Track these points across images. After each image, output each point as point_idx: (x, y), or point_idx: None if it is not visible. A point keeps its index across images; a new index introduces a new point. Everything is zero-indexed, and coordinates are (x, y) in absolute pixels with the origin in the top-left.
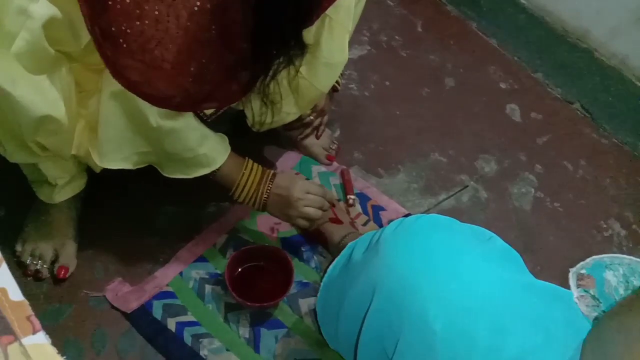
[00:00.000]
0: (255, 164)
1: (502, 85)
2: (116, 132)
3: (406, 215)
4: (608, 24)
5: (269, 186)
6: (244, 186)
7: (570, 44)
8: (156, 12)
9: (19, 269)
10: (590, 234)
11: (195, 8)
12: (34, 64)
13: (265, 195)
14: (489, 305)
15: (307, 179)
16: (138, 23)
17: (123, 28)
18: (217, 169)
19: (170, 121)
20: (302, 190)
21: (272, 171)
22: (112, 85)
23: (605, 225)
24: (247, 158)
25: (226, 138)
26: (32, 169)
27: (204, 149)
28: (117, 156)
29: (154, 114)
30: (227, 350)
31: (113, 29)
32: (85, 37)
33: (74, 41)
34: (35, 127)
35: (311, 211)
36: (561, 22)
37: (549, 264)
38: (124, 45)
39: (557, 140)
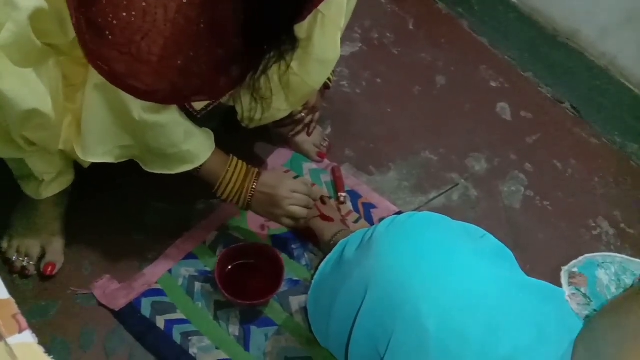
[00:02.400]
0: (240, 161)
1: (493, 84)
2: (99, 124)
3: (397, 213)
4: (598, 24)
5: (253, 184)
6: (228, 183)
7: (561, 43)
8: (144, 4)
9: (5, 266)
10: (579, 232)
11: (184, 0)
12: (20, 56)
13: (250, 194)
14: (482, 303)
15: (298, 176)
16: (125, 14)
17: (110, 19)
18: (201, 165)
19: (154, 115)
20: (289, 189)
21: (257, 169)
22: (96, 77)
23: (594, 224)
24: (231, 155)
25: (212, 134)
26: (18, 164)
27: (188, 145)
28: (99, 150)
29: (137, 108)
30: (217, 348)
31: (100, 20)
32: (73, 29)
33: (61, 34)
34: (21, 121)
35: (297, 210)
36: (552, 21)
37: (538, 262)
38: (110, 37)
39: (547, 139)
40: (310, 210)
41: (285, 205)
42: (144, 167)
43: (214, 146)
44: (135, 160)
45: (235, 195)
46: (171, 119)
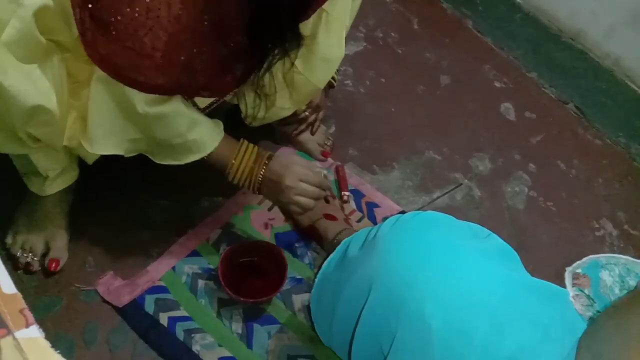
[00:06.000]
0: (251, 145)
1: (497, 84)
2: (105, 117)
3: (401, 213)
4: (602, 25)
5: (262, 170)
6: (239, 167)
7: (565, 43)
8: (148, 0)
9: (9, 262)
10: (583, 233)
11: None
12: (24, 53)
13: (260, 178)
14: (486, 303)
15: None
16: (129, 10)
17: (114, 15)
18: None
19: (157, 107)
20: (296, 177)
21: (269, 153)
22: (100, 70)
23: (597, 225)
24: (242, 139)
25: (221, 123)
26: (23, 160)
27: (193, 134)
28: (108, 142)
29: (140, 101)
30: (220, 345)
31: (104, 15)
32: None
33: (66, 30)
34: (26, 118)
35: (302, 200)
36: (556, 21)
37: (542, 262)
38: (114, 33)
39: (551, 139)
40: (319, 201)
41: (292, 194)
42: (153, 159)
43: (222, 134)
44: (143, 156)
45: (246, 178)
46: (174, 109)
